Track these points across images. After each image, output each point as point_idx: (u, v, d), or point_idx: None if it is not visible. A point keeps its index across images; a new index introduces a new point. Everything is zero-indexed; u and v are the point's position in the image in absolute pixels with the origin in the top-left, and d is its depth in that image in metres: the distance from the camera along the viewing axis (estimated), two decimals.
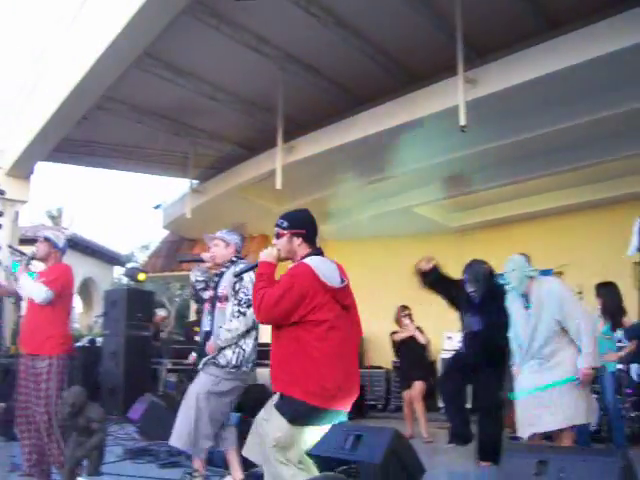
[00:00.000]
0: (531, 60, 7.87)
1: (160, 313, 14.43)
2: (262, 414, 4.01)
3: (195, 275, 5.90)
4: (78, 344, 12.61)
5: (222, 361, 5.29)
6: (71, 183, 68.08)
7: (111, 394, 10.79)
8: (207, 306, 5.63)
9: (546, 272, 10.16)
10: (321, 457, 5.16)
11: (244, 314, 5.28)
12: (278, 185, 10.10)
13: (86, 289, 24.36)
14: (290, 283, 3.80)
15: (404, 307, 9.45)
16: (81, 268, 19.11)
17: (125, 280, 18.82)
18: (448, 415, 7.35)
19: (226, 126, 11.90)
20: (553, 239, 11.95)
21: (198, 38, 8.94)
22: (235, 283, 5.37)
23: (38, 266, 5.97)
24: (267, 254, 3.99)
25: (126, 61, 8.99)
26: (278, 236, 4.06)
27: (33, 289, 5.59)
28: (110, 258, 24.00)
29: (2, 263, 10.86)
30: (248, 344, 5.36)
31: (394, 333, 9.44)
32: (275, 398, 3.88)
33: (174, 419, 8.23)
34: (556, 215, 12.11)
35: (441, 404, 10.62)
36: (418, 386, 8.95)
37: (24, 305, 6.32)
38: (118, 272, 27.28)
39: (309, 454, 5.36)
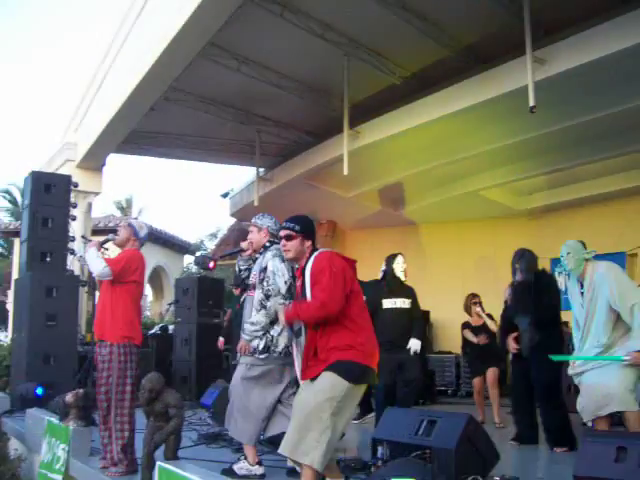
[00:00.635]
0: (601, 37, 7.65)
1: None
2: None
3: (239, 265, 6.18)
4: (150, 332, 12.84)
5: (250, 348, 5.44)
6: (139, 174, 69.26)
7: (184, 381, 10.99)
8: (252, 293, 5.67)
9: (616, 255, 9.98)
10: (395, 442, 5.18)
11: (265, 307, 5.36)
12: (345, 171, 10.08)
13: (156, 278, 24.75)
14: (330, 268, 4.23)
15: (473, 295, 9.26)
16: (151, 257, 19.41)
17: (195, 268, 19.07)
18: (515, 417, 7.30)
19: (291, 113, 11.93)
20: (625, 221, 11.68)
21: (262, 26, 8.97)
22: (260, 272, 5.46)
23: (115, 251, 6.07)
24: (282, 317, 4.50)
25: (192, 51, 9.08)
26: (289, 238, 4.46)
27: (94, 261, 5.63)
28: (179, 247, 24.33)
29: (76, 254, 11.16)
30: (276, 330, 5.41)
31: (466, 327, 9.19)
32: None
33: None
34: (628, 196, 11.80)
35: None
36: (493, 372, 8.84)
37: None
38: (188, 260, 27.66)
39: (379, 439, 5.39)
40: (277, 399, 5.50)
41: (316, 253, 4.40)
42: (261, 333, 5.38)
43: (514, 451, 6.81)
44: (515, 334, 7.07)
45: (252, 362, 5.45)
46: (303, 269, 4.41)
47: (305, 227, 4.52)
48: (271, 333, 5.41)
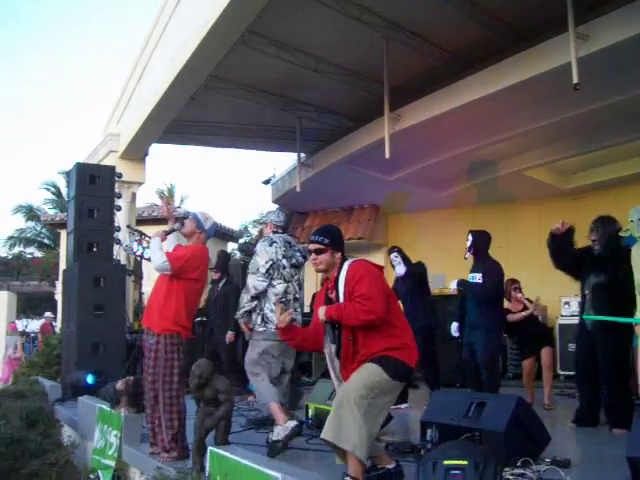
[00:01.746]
0: None
1: None
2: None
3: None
4: (197, 319, 12.95)
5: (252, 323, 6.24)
6: (182, 163, 69.76)
7: (232, 367, 11.06)
8: None
9: None
10: (444, 425, 5.18)
11: (246, 286, 6.22)
12: (387, 155, 10.03)
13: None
14: (369, 276, 4.32)
15: (513, 280, 9.07)
16: None
17: (239, 255, 19.18)
18: (579, 392, 7.17)
19: (332, 98, 11.89)
20: None
21: (300, 11, 8.93)
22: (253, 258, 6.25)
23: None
24: (322, 315, 4.38)
25: (231, 39, 9.09)
26: (319, 252, 4.50)
27: (155, 253, 5.59)
28: (223, 234, 24.46)
29: (122, 243, 11.32)
30: (267, 307, 6.14)
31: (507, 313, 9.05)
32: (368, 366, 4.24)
33: (293, 389, 8.49)
34: None
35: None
36: (548, 352, 8.75)
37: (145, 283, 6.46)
38: (232, 247, 27.81)
39: (428, 422, 5.40)
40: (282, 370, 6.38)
41: (349, 262, 4.45)
42: (247, 309, 6.23)
43: (565, 433, 6.76)
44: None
45: (255, 337, 6.25)
46: (336, 279, 4.46)
47: (334, 239, 4.55)
48: (264, 310, 6.16)
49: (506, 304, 8.94)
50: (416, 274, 8.99)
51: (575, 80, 7.62)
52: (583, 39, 7.81)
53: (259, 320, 6.18)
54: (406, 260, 9.06)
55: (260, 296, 6.20)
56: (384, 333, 4.24)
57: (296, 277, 6.45)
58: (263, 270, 6.10)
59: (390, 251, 9.26)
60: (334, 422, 4.08)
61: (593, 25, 7.90)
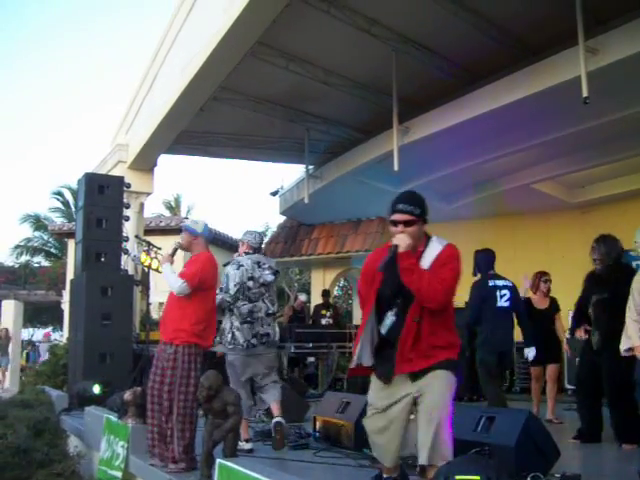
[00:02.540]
0: None
1: (301, 298, 14.69)
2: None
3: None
4: None
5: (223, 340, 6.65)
6: (188, 173, 69.91)
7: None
8: None
9: None
10: (454, 439, 5.14)
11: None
12: (396, 167, 10.04)
13: None
14: (458, 269, 3.90)
15: (543, 273, 8.92)
16: None
17: None
18: (580, 412, 7.15)
19: (340, 110, 11.91)
20: None
21: (310, 23, 8.97)
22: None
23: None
24: (407, 245, 3.79)
25: (241, 51, 9.13)
26: (410, 224, 3.86)
27: (170, 278, 5.63)
28: (230, 245, 24.44)
29: (130, 253, 11.33)
30: (235, 325, 6.58)
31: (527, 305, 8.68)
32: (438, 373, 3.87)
33: (300, 401, 8.48)
34: None
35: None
36: (554, 369, 8.68)
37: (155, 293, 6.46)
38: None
39: None
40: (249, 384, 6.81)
41: (443, 241, 4.00)
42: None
43: (575, 448, 6.72)
44: (586, 326, 6.98)
45: (225, 351, 6.72)
46: (420, 254, 3.91)
47: (425, 210, 3.96)
48: (233, 327, 6.57)
49: (530, 294, 8.90)
50: None
51: (585, 94, 7.62)
52: (592, 53, 7.82)
53: (229, 337, 6.59)
54: None
55: (230, 314, 6.66)
56: (448, 325, 3.94)
57: (267, 294, 6.82)
58: (232, 292, 6.56)
59: None
60: (430, 442, 3.79)
61: (602, 39, 7.91)
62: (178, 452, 5.42)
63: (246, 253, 6.83)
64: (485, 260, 8.00)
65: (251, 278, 6.66)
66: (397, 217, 3.89)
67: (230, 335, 6.58)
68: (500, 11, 8.66)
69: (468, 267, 8.33)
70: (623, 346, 5.83)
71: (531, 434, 4.75)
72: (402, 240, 3.77)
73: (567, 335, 8.63)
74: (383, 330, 3.91)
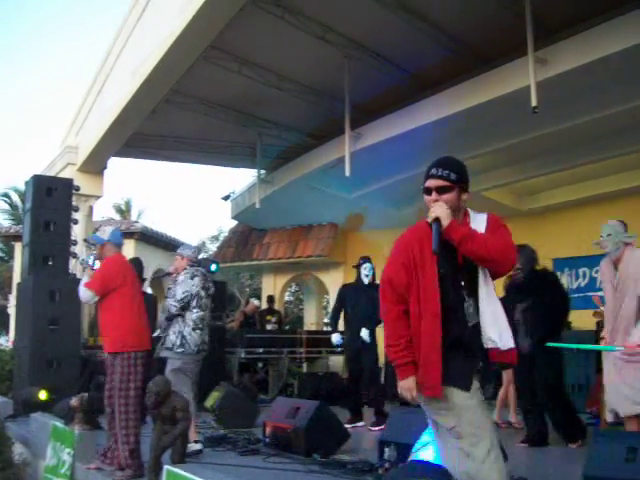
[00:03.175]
0: (602, 37, 7.64)
1: (254, 302, 14.66)
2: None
3: (167, 284, 7.47)
4: (154, 334, 12.84)
5: (168, 344, 6.71)
6: (139, 176, 69.21)
7: None
8: None
9: None
10: (402, 444, 5.17)
11: (167, 310, 6.80)
12: (347, 172, 10.09)
13: (158, 280, 24.68)
14: (510, 236, 3.35)
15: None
16: (152, 260, 19.36)
17: None
18: (524, 414, 7.33)
19: (292, 115, 11.92)
20: (627, 221, 11.64)
21: (263, 28, 8.96)
22: (177, 285, 6.82)
23: None
24: (447, 214, 3.24)
25: (193, 54, 9.10)
26: (444, 190, 3.34)
27: (80, 291, 5.73)
28: (167, 244, 24.26)
29: (79, 257, 11.16)
30: (187, 330, 6.72)
31: None
32: None
33: (250, 407, 8.47)
34: (629, 196, 11.74)
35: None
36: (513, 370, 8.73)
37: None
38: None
39: (386, 441, 5.37)
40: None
41: (483, 214, 3.48)
42: (164, 327, 6.84)
43: (522, 451, 6.80)
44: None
45: (171, 356, 6.70)
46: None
47: (464, 175, 3.47)
48: (184, 333, 6.69)
49: None
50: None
51: (534, 103, 7.74)
52: (542, 63, 7.96)
53: (178, 342, 6.70)
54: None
55: (180, 320, 6.81)
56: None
57: (210, 306, 7.31)
58: (179, 297, 6.74)
59: (365, 261, 9.24)
60: None
61: (552, 50, 8.06)
62: (124, 457, 5.37)
63: (190, 266, 7.06)
64: None
65: (203, 288, 6.98)
66: (429, 183, 3.39)
67: (180, 341, 6.70)
68: (452, 20, 8.77)
69: None
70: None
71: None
72: (440, 208, 3.24)
73: None
74: (472, 320, 3.24)
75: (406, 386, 3.22)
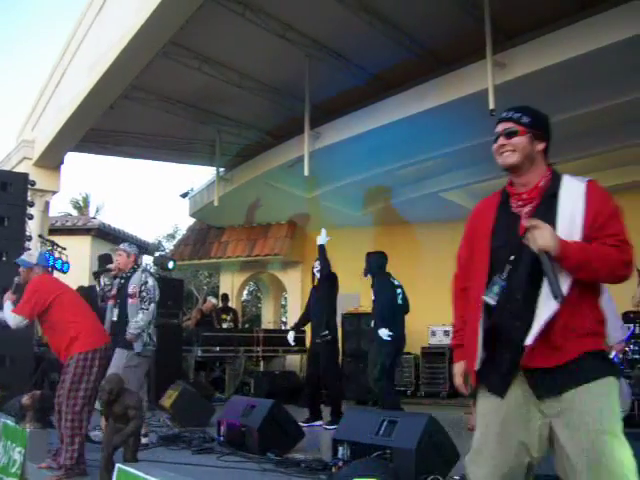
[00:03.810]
0: (561, 42, 7.78)
1: (211, 300, 14.59)
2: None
3: (104, 280, 7.55)
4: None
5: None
6: (97, 172, 68.51)
7: None
8: (112, 302, 7.14)
9: None
10: (356, 443, 5.20)
11: (147, 309, 6.82)
12: (306, 172, 10.10)
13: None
14: (622, 219, 2.69)
15: None
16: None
17: (154, 268, 18.94)
18: None
19: (252, 114, 11.91)
20: None
21: (224, 25, 8.94)
22: (141, 285, 6.90)
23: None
24: (552, 238, 2.54)
25: (152, 50, 9.01)
26: (512, 134, 2.82)
27: (8, 319, 5.59)
28: (138, 247, 24.08)
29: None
30: (151, 328, 6.95)
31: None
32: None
33: (205, 406, 8.43)
34: None
35: None
36: None
37: None
38: (146, 261, 27.40)
39: (340, 440, 5.40)
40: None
41: (581, 179, 2.74)
42: (142, 330, 6.79)
43: None
44: None
45: (132, 354, 6.74)
46: (548, 194, 2.75)
47: (538, 121, 2.86)
48: (149, 331, 6.88)
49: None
50: (331, 279, 9.10)
51: (491, 106, 7.84)
52: (500, 67, 8.06)
53: (147, 339, 6.88)
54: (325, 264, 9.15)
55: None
56: (597, 296, 2.70)
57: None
58: (157, 300, 7.02)
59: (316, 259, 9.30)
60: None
61: (510, 54, 8.17)
62: (64, 458, 5.29)
63: (137, 266, 7.19)
64: (381, 262, 8.70)
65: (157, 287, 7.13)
66: (498, 127, 2.90)
67: (147, 337, 6.88)
68: (413, 22, 8.84)
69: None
70: None
71: (431, 437, 4.84)
72: (542, 235, 2.54)
73: None
74: (490, 298, 2.68)
75: (453, 371, 2.89)
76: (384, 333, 8.16)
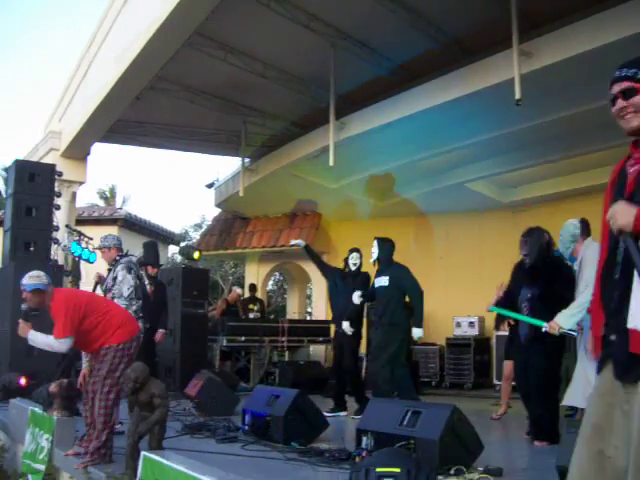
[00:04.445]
0: (588, 31, 7.67)
1: (237, 290, 14.66)
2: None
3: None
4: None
5: None
6: (124, 163, 68.90)
7: (168, 371, 10.97)
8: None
9: None
10: (379, 433, 5.20)
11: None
12: (331, 162, 10.08)
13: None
14: None
15: None
16: (136, 248, 19.31)
17: (180, 259, 19.03)
18: (525, 406, 6.91)
19: (278, 104, 11.91)
20: None
21: (249, 16, 8.95)
22: (112, 280, 6.88)
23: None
24: (630, 214, 2.29)
25: (178, 41, 9.05)
26: (632, 93, 2.53)
27: (48, 344, 5.38)
28: (164, 237, 24.20)
29: (61, 243, 11.13)
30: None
31: None
32: None
33: (230, 395, 8.47)
34: None
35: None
36: (511, 364, 8.55)
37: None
38: (173, 251, 27.56)
39: (364, 430, 5.41)
40: None
41: None
42: None
43: (499, 442, 6.83)
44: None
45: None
46: None
47: None
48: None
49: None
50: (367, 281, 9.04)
51: (517, 96, 7.78)
52: (526, 56, 7.99)
53: None
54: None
55: None
56: None
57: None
58: (126, 295, 6.77)
59: (351, 251, 9.23)
60: None
61: (536, 43, 8.08)
62: (94, 445, 5.37)
63: (120, 256, 7.05)
64: (393, 249, 8.55)
65: (138, 277, 7.06)
66: (613, 89, 2.63)
67: None
68: (438, 11, 8.78)
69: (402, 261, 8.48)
70: None
71: (455, 428, 4.82)
72: (622, 213, 2.32)
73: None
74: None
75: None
76: (418, 333, 8.16)
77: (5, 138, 63.17)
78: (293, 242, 9.96)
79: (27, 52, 70.96)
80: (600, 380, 2.43)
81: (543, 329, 5.85)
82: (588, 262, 5.79)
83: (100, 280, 8.14)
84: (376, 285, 8.44)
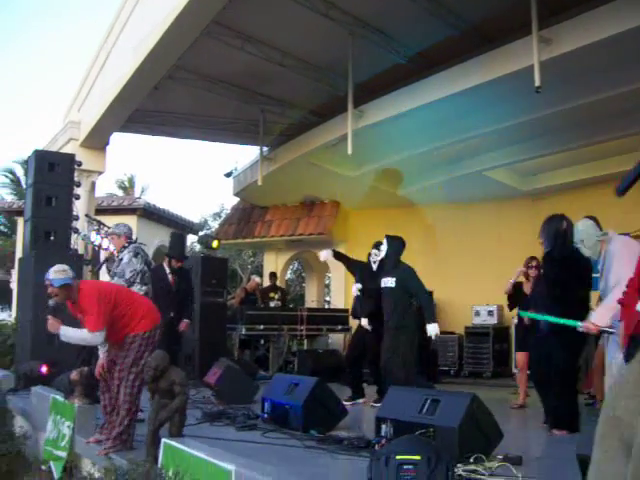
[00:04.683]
0: (609, 17, 7.58)
1: (255, 279, 14.71)
2: None
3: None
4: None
5: None
6: (143, 153, 69.14)
7: (188, 359, 11.02)
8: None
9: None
10: (399, 421, 5.21)
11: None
12: (349, 150, 10.05)
13: (160, 257, 24.69)
14: None
15: (531, 258, 8.69)
16: (154, 236, 19.39)
17: (198, 247, 19.08)
18: (539, 395, 6.99)
19: (295, 92, 11.88)
20: (630, 203, 11.60)
21: (267, 4, 8.91)
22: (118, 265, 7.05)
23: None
24: None
25: (196, 30, 9.04)
26: None
27: (82, 337, 5.41)
28: (183, 226, 24.27)
29: (81, 232, 11.20)
30: None
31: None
32: None
33: (249, 383, 8.52)
34: None
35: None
36: (525, 354, 8.54)
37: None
38: (191, 240, 27.63)
39: (383, 418, 5.41)
40: None
41: None
42: None
43: (519, 430, 6.82)
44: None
45: None
46: None
47: None
48: None
49: (523, 279, 8.88)
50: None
51: (537, 83, 7.72)
52: (546, 43, 7.92)
53: None
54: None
55: None
56: None
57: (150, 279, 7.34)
58: (127, 277, 6.91)
59: (374, 246, 9.18)
60: None
61: (556, 29, 8.01)
62: (116, 431, 5.42)
63: (128, 243, 7.20)
64: (400, 249, 8.51)
65: (146, 263, 7.17)
66: None
67: None
68: None
69: (418, 251, 8.46)
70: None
71: (474, 416, 4.83)
72: None
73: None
74: None
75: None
76: (434, 329, 8.11)
77: (25, 128, 63.57)
78: (322, 258, 9.95)
79: (49, 42, 71.33)
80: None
81: (579, 329, 5.72)
82: (616, 255, 5.71)
83: (110, 256, 8.23)
84: (382, 285, 8.42)
